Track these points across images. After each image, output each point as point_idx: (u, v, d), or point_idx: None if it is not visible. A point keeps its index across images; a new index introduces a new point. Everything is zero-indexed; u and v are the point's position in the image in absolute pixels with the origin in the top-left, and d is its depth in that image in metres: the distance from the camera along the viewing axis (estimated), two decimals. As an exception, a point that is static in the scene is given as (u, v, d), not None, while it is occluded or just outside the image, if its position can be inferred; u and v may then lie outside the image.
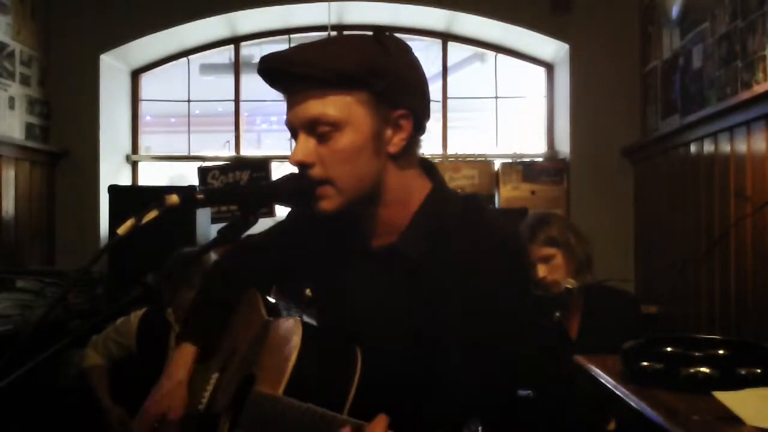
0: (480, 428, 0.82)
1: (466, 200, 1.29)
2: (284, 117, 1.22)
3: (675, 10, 3.36)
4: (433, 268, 1.19)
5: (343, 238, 1.30)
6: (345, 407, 1.12)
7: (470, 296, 1.14)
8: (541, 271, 2.46)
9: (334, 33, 4.38)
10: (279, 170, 4.12)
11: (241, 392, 1.31)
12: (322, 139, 1.16)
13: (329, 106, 1.15)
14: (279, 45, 4.62)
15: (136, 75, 4.58)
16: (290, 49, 1.23)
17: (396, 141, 1.19)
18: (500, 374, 1.18)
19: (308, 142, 1.17)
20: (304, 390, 1.14)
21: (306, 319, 1.41)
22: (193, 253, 2.24)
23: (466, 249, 1.18)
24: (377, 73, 1.15)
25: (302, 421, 1.08)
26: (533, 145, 4.62)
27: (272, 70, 1.20)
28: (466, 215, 1.23)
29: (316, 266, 1.36)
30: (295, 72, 1.15)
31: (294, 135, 1.20)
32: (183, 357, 1.48)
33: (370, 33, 1.22)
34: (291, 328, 1.25)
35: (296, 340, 1.20)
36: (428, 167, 1.29)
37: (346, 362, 1.16)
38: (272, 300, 1.51)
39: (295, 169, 1.20)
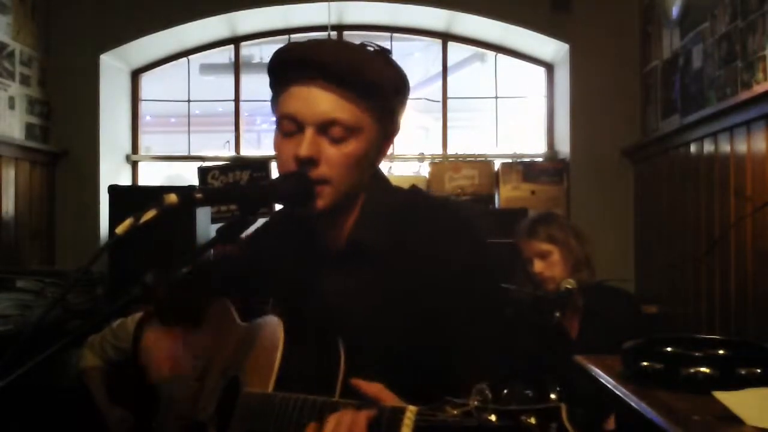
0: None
1: (408, 190, 1.36)
2: (283, 108, 1.20)
3: (675, 10, 3.36)
4: (395, 253, 1.21)
5: (305, 248, 1.32)
6: (335, 396, 1.12)
7: (440, 271, 1.17)
8: (538, 266, 2.47)
9: (334, 33, 4.38)
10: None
11: (226, 398, 1.31)
12: (334, 140, 1.17)
13: (351, 110, 1.16)
14: (279, 45, 4.59)
15: (136, 75, 4.58)
16: (316, 41, 1.23)
17: (383, 153, 1.27)
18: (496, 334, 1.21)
19: (318, 139, 1.17)
20: (293, 384, 1.13)
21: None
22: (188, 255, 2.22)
23: (421, 228, 1.23)
24: (398, 91, 1.21)
25: (298, 408, 1.07)
26: (533, 145, 4.61)
27: (299, 58, 1.18)
28: (410, 201, 1.30)
29: (283, 278, 1.36)
30: (328, 66, 1.14)
31: (297, 127, 1.18)
32: None
33: (378, 48, 1.22)
34: (274, 326, 1.25)
35: (280, 337, 1.20)
36: None
37: (330, 352, 1.16)
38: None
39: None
